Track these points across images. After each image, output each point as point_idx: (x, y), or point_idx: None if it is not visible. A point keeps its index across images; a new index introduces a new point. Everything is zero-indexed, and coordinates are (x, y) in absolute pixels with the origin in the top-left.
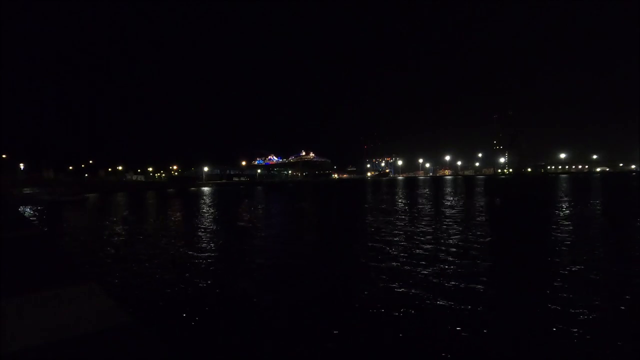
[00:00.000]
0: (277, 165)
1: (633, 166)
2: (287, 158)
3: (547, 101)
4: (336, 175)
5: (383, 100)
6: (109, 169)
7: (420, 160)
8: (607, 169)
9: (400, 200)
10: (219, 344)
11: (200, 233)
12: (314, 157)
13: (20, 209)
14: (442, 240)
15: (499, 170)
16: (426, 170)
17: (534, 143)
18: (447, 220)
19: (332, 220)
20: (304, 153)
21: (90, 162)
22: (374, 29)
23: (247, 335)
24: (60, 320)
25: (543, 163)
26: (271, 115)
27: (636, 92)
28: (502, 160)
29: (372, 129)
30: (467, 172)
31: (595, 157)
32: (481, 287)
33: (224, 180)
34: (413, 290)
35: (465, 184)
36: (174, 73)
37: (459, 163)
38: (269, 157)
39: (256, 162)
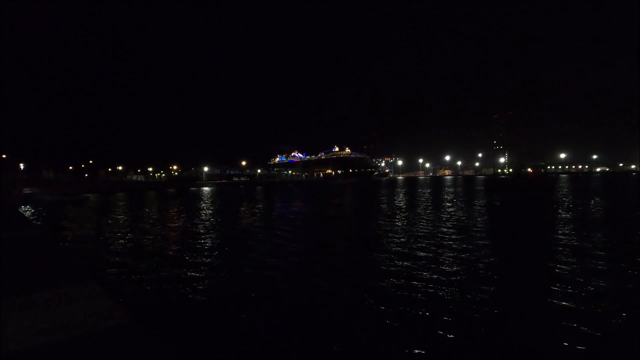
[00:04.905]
0: (304, 162)
1: (633, 166)
2: (315, 155)
3: (547, 101)
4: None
5: (383, 100)
6: (109, 169)
7: (420, 160)
8: (607, 169)
9: (403, 202)
10: (218, 344)
11: (200, 233)
12: (350, 154)
13: (20, 209)
14: (444, 240)
15: (499, 170)
16: (426, 170)
17: (534, 143)
18: (449, 220)
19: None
20: (337, 149)
21: (90, 162)
22: (375, 29)
23: (247, 335)
24: (60, 320)
25: (543, 163)
26: (271, 115)
27: (636, 92)
28: (502, 160)
29: (372, 129)
30: (467, 172)
31: (595, 157)
32: (488, 292)
33: (224, 180)
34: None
35: (467, 183)
36: (174, 73)
37: (459, 163)
38: (293, 154)
39: (277, 160)
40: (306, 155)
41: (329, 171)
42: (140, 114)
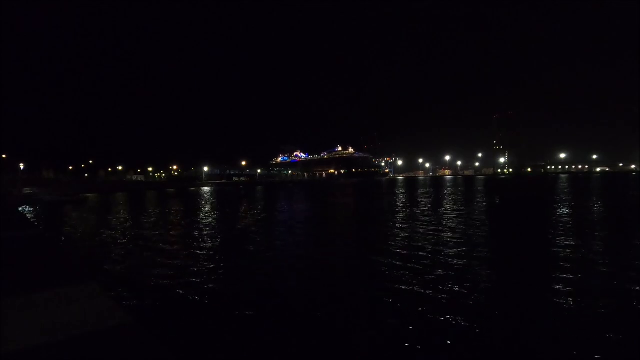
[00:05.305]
0: (304, 162)
1: (633, 166)
2: (317, 154)
3: (547, 101)
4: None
5: (383, 100)
6: (109, 169)
7: (420, 160)
8: (607, 169)
9: (404, 201)
10: (218, 344)
11: (200, 233)
12: (354, 153)
13: (20, 209)
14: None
15: (499, 170)
16: (426, 170)
17: (534, 143)
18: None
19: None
20: (340, 148)
21: (90, 162)
22: (375, 29)
23: (247, 335)
24: (60, 320)
25: (543, 163)
26: (271, 116)
27: (636, 92)
28: (502, 160)
29: (372, 129)
30: (467, 172)
31: (595, 157)
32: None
33: (224, 180)
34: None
35: (467, 184)
36: (174, 73)
37: (459, 163)
38: (295, 153)
39: (279, 160)
40: (309, 155)
41: (332, 171)
42: (140, 114)
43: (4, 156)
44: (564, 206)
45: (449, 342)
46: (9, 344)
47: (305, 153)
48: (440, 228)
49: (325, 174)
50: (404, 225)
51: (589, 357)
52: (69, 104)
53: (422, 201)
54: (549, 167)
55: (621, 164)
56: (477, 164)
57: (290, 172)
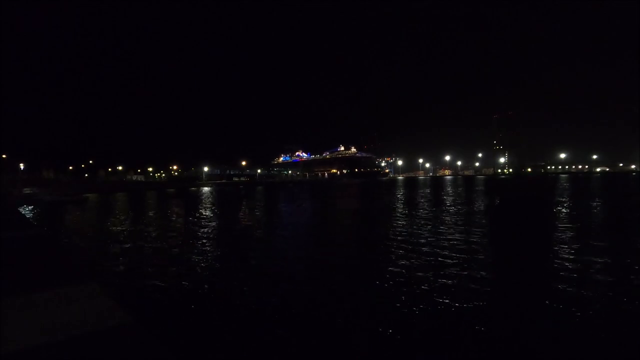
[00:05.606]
0: (308, 162)
1: (633, 166)
2: (319, 154)
3: (547, 101)
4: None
5: (383, 100)
6: (109, 169)
7: (420, 160)
8: (607, 169)
9: (404, 201)
10: (218, 344)
11: (200, 233)
12: (356, 153)
13: (20, 209)
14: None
15: (499, 170)
16: (426, 170)
17: (534, 143)
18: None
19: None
20: (342, 148)
21: (90, 162)
22: (375, 29)
23: (247, 335)
24: (60, 320)
25: (543, 163)
26: (271, 115)
27: (636, 92)
28: (502, 160)
29: (372, 129)
30: (467, 172)
31: (595, 157)
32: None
33: (224, 180)
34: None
35: (467, 184)
36: (174, 73)
37: (459, 163)
38: (297, 153)
39: (281, 159)
40: (310, 155)
41: (334, 171)
42: (140, 114)
43: (4, 156)
44: (564, 206)
45: (449, 342)
46: (9, 344)
47: (307, 153)
48: (440, 228)
49: (328, 174)
50: (404, 225)
51: (589, 357)
52: (69, 104)
53: (422, 201)
54: (549, 167)
55: (621, 164)
56: (477, 164)
57: (290, 172)
